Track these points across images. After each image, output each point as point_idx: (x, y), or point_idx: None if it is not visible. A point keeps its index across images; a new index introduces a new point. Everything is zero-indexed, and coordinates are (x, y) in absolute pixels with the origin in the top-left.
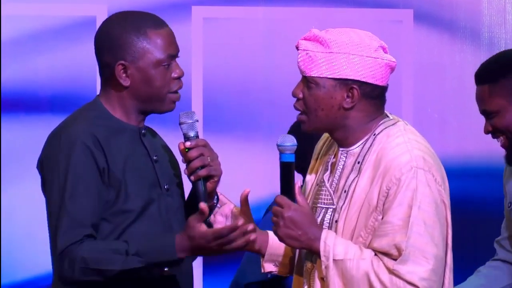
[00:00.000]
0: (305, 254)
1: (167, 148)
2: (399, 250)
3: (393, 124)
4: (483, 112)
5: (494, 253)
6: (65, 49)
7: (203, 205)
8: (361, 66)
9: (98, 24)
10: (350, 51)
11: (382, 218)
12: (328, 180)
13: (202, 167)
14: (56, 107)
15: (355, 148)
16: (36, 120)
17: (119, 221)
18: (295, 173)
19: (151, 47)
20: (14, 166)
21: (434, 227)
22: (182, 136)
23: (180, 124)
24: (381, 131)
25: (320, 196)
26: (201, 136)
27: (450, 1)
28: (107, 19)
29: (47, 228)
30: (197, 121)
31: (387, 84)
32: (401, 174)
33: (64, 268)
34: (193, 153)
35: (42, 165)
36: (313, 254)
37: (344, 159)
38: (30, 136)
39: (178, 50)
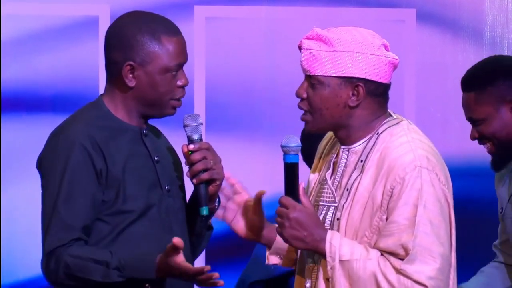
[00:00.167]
0: (307, 252)
1: (170, 149)
2: (406, 250)
3: (396, 123)
4: (470, 119)
5: (494, 253)
6: (67, 49)
7: (176, 240)
8: (366, 64)
9: (101, 23)
10: (354, 49)
11: (387, 218)
12: (330, 178)
13: (205, 170)
14: (58, 107)
15: (357, 146)
16: (37, 120)
17: (118, 221)
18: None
19: (162, 53)
20: (14, 166)
21: (440, 226)
22: (185, 136)
23: (184, 126)
24: (385, 130)
25: (322, 194)
26: (203, 135)
27: (453, 0)
28: (122, 16)
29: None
30: (201, 124)
31: (390, 82)
32: (405, 174)
33: (49, 269)
34: (196, 156)
35: (41, 164)
36: (318, 255)
37: (346, 156)
38: (31, 136)
39: (187, 60)
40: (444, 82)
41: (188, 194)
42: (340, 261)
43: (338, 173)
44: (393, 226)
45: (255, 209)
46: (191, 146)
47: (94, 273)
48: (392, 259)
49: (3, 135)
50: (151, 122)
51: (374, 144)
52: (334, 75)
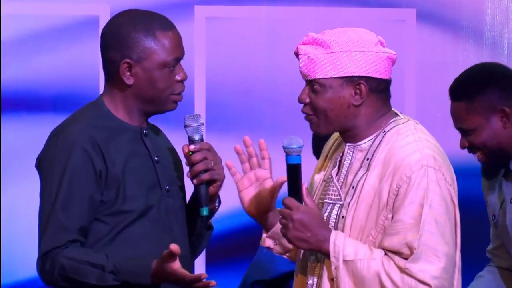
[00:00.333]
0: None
1: (171, 149)
2: (411, 249)
3: (403, 123)
4: (460, 129)
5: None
6: (67, 49)
7: (173, 247)
8: (365, 62)
9: (101, 23)
10: (352, 48)
11: (393, 216)
12: (336, 175)
13: (205, 171)
14: (58, 107)
15: (363, 144)
16: (37, 120)
17: (118, 221)
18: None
19: (158, 48)
20: (14, 166)
21: (445, 225)
22: (186, 136)
23: (185, 127)
24: (391, 128)
25: (328, 192)
26: (203, 134)
27: (453, 0)
28: (116, 15)
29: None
30: (202, 124)
31: (391, 78)
32: (412, 173)
33: (44, 270)
34: (196, 157)
35: (40, 164)
36: (322, 255)
37: (352, 154)
38: (31, 135)
39: (183, 53)
40: (444, 82)
41: (188, 194)
42: (344, 261)
43: (343, 170)
44: (398, 224)
45: (271, 191)
46: (192, 147)
47: (89, 276)
48: (396, 258)
49: (3, 135)
50: (152, 120)
51: (380, 143)
52: (335, 76)
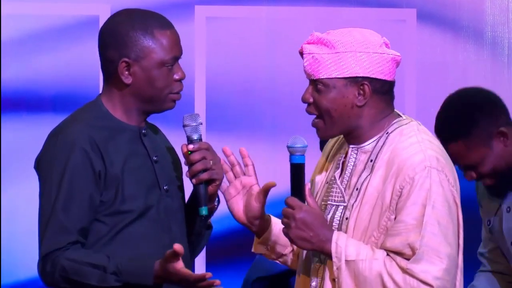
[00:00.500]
0: (314, 252)
1: (170, 148)
2: (413, 249)
3: (406, 124)
4: (465, 166)
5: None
6: (67, 49)
7: (177, 247)
8: (369, 63)
9: (101, 23)
10: (356, 49)
11: (395, 217)
12: (339, 177)
13: (204, 170)
14: (58, 107)
15: (367, 145)
16: (37, 120)
17: (117, 221)
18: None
19: (157, 47)
20: (14, 166)
21: (448, 226)
22: (184, 136)
23: (184, 126)
24: (395, 129)
25: (331, 194)
26: (203, 135)
27: (453, 0)
28: (114, 14)
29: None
30: (201, 123)
31: (394, 79)
32: (415, 174)
33: (45, 272)
34: (195, 156)
35: (39, 165)
36: (324, 255)
37: (355, 155)
38: (31, 136)
39: (182, 52)
40: (444, 82)
41: (187, 194)
42: (346, 261)
43: (347, 172)
44: (400, 225)
45: (258, 197)
46: (191, 146)
47: (90, 277)
48: (398, 259)
49: (3, 135)
50: (151, 120)
51: (383, 144)
52: (339, 76)
